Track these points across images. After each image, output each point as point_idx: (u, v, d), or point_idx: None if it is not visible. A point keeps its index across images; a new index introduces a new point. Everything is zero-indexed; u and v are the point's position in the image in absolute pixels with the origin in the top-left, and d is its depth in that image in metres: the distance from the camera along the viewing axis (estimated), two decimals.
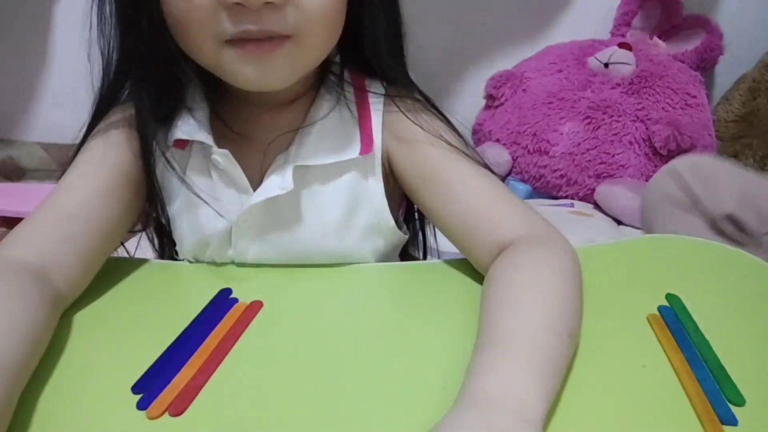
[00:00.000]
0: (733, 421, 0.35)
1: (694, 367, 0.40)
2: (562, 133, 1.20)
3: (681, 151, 1.15)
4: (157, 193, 0.51)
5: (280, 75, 0.45)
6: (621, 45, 1.24)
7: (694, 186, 0.70)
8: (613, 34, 1.31)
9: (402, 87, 0.52)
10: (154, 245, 0.61)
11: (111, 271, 0.52)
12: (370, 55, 0.50)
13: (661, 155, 1.16)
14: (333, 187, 0.51)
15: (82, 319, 0.47)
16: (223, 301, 0.48)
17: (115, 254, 0.55)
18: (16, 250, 0.44)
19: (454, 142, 0.50)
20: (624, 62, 1.22)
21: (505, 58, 1.32)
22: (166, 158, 0.50)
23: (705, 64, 1.26)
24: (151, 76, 0.48)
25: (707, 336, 0.43)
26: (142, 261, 0.54)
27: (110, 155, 0.49)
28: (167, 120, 0.50)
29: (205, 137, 0.49)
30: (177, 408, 0.38)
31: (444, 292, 0.49)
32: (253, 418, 0.37)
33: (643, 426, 0.36)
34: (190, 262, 0.55)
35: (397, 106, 0.51)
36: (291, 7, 0.42)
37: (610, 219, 1.11)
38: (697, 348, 0.42)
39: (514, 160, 1.25)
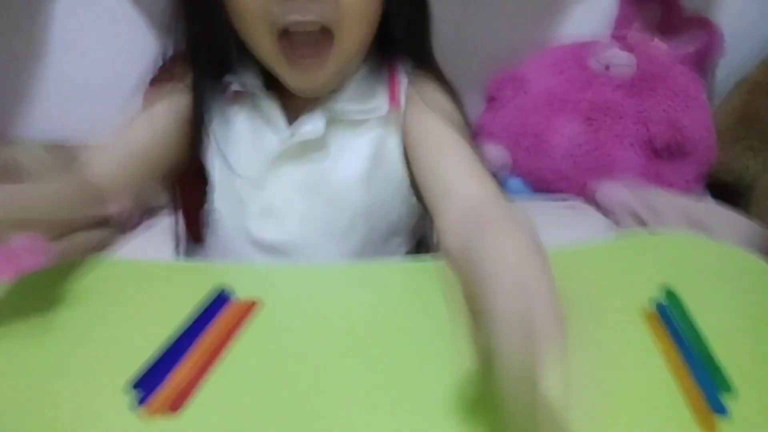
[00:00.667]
0: (722, 411, 0.35)
1: (686, 358, 0.40)
2: (562, 135, 1.20)
3: (681, 152, 1.15)
4: (203, 134, 0.58)
5: (322, 83, 0.54)
6: (622, 46, 1.24)
7: (648, 219, 0.75)
8: (613, 35, 1.31)
9: (427, 68, 0.59)
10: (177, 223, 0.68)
11: (108, 272, 0.52)
12: (402, 39, 0.56)
13: (661, 156, 1.16)
14: (360, 140, 0.57)
15: (80, 317, 0.47)
16: (219, 298, 0.48)
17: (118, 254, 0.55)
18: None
19: (459, 124, 0.55)
20: (625, 64, 1.22)
21: (506, 60, 1.32)
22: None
23: (706, 65, 1.26)
24: (208, 50, 0.56)
25: (700, 329, 0.43)
26: (138, 261, 0.55)
27: (169, 101, 0.58)
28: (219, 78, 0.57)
29: (256, 88, 0.57)
30: (176, 403, 0.38)
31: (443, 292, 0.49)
32: (251, 414, 0.37)
33: (636, 417, 0.36)
34: (216, 221, 0.59)
35: (418, 80, 0.58)
36: (330, 2, 0.48)
37: (609, 219, 1.11)
38: (689, 340, 0.42)
39: (515, 161, 1.25)
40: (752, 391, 0.37)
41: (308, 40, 0.50)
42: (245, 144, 0.58)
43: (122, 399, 0.38)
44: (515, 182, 1.25)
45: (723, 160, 1.24)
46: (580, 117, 1.19)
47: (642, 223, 0.78)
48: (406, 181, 0.58)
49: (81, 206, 0.51)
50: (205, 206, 0.64)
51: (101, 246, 0.66)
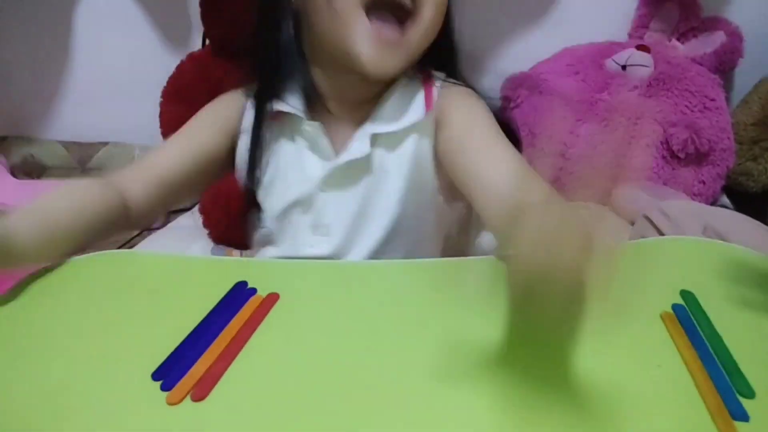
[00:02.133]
0: (744, 417, 0.35)
1: (706, 363, 0.40)
2: (578, 135, 1.19)
3: (699, 154, 1.14)
4: (257, 162, 0.62)
5: (393, 65, 0.55)
6: (639, 47, 1.23)
7: (663, 227, 0.76)
8: (630, 36, 1.30)
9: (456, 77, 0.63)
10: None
11: (131, 265, 0.53)
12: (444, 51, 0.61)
13: (678, 158, 1.15)
14: (400, 155, 0.60)
15: (104, 310, 0.48)
16: (241, 292, 0.49)
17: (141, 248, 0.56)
18: (110, 176, 0.59)
19: (492, 124, 0.58)
20: (642, 64, 1.21)
21: (521, 60, 1.31)
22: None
23: (724, 66, 1.24)
24: (272, 62, 0.60)
25: (720, 332, 0.42)
26: (162, 255, 0.55)
27: (198, 131, 0.62)
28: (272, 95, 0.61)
29: (299, 111, 0.60)
30: (199, 393, 0.39)
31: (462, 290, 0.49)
32: (271, 404, 0.38)
33: (656, 422, 0.36)
34: (267, 238, 0.63)
35: (451, 87, 0.61)
36: None
37: (626, 222, 1.11)
38: (709, 344, 0.41)
39: (530, 162, 1.24)
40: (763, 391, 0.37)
41: (392, 18, 0.54)
42: (291, 167, 0.61)
43: (147, 388, 0.39)
44: None
45: (741, 162, 1.23)
46: (597, 118, 1.19)
47: (658, 230, 0.78)
48: (438, 189, 0.61)
49: (109, 221, 0.56)
50: (249, 217, 0.68)
51: (127, 244, 0.70)
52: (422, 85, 0.61)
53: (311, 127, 0.60)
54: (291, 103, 0.60)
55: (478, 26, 1.32)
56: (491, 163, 0.53)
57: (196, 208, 1.07)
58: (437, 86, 0.61)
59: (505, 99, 1.29)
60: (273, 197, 0.63)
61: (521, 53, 1.32)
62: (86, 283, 0.51)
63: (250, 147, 0.62)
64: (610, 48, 1.26)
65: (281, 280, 0.51)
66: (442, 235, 0.66)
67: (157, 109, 1.12)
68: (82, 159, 1.42)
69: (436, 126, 0.59)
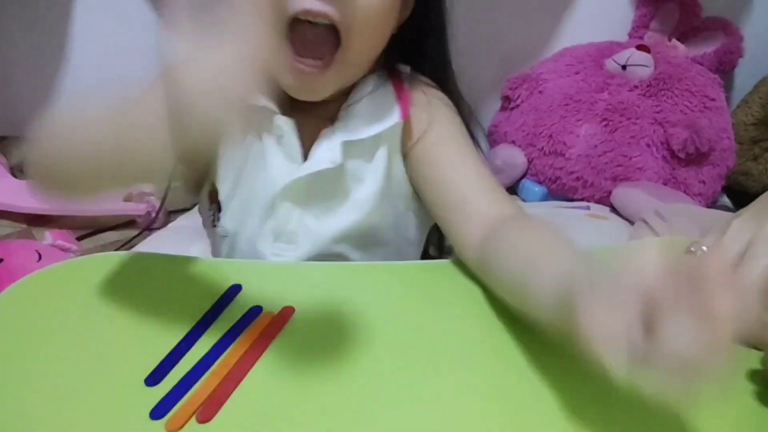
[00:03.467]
0: None
1: None
2: (578, 135, 1.19)
3: (699, 154, 1.14)
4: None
5: (321, 90, 0.51)
6: (639, 47, 1.23)
7: (661, 231, 0.76)
8: (631, 35, 1.30)
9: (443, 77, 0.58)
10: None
11: (130, 266, 0.53)
12: (427, 51, 0.57)
13: (679, 158, 1.15)
14: (374, 161, 0.55)
15: (103, 313, 0.47)
16: (250, 312, 0.47)
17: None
18: None
19: (465, 136, 0.55)
20: (642, 64, 1.21)
21: (521, 60, 1.31)
22: None
23: (724, 66, 1.24)
24: None
25: None
26: (162, 256, 0.55)
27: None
28: None
29: (270, 104, 0.53)
30: (205, 415, 0.38)
31: (478, 292, 0.49)
32: (282, 426, 0.37)
33: (655, 422, 0.36)
34: (222, 237, 0.59)
35: (422, 88, 0.57)
36: (348, 2, 0.46)
37: (626, 222, 1.11)
38: None
39: (530, 162, 1.25)
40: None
41: (314, 38, 0.48)
42: (254, 168, 0.55)
43: (144, 400, 0.39)
44: (531, 185, 1.25)
45: (741, 162, 1.23)
46: (597, 117, 1.19)
47: (655, 234, 0.79)
48: (413, 194, 0.58)
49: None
50: (205, 213, 0.63)
51: (127, 244, 0.66)
52: (392, 86, 0.56)
53: (284, 123, 0.53)
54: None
55: (478, 26, 1.31)
56: (463, 180, 0.52)
57: (196, 208, 1.07)
58: (407, 87, 0.57)
59: (505, 99, 1.29)
60: (235, 199, 0.57)
61: (521, 53, 1.32)
62: (85, 284, 0.51)
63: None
64: (610, 48, 1.26)
65: (280, 286, 0.50)
66: (424, 236, 0.64)
67: None
68: None
69: (406, 131, 0.56)
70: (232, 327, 0.45)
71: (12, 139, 1.44)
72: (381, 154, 0.55)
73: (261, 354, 0.43)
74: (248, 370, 0.41)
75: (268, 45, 0.32)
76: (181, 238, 1.01)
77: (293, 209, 0.56)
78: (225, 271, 0.53)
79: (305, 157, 0.55)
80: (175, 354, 0.42)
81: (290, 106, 0.54)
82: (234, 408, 0.38)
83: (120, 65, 1.38)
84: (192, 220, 1.06)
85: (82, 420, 0.38)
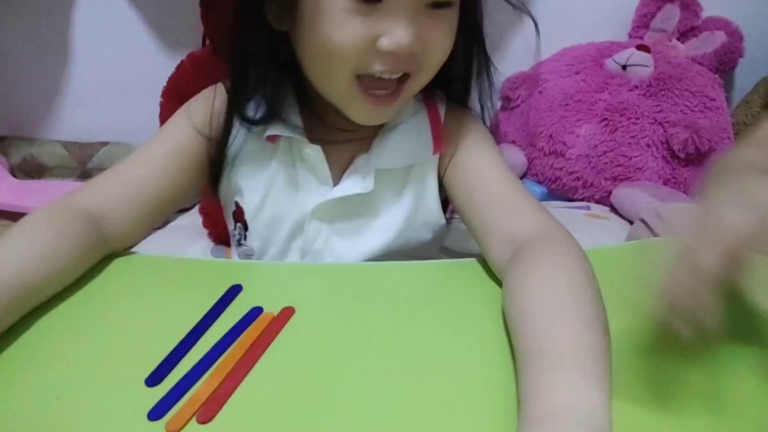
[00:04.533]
0: None
1: None
2: (578, 135, 1.19)
3: (699, 154, 1.14)
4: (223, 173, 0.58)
5: (386, 117, 0.54)
6: (639, 47, 1.23)
7: (659, 230, 0.76)
8: (631, 35, 1.30)
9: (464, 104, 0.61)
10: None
11: (127, 267, 0.53)
12: (459, 81, 0.60)
13: (679, 158, 1.15)
14: (402, 188, 0.58)
15: (104, 313, 0.47)
16: (250, 313, 0.47)
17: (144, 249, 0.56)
18: (82, 197, 0.53)
19: (495, 153, 0.58)
20: (642, 64, 1.21)
21: (521, 60, 1.31)
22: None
23: (724, 66, 1.24)
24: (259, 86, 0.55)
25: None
26: (162, 257, 0.55)
27: (180, 137, 0.56)
28: (260, 119, 0.56)
29: (297, 134, 0.55)
30: (205, 415, 0.37)
31: (478, 293, 0.50)
32: (283, 426, 0.37)
33: (654, 419, 0.36)
34: (248, 256, 0.61)
35: (457, 116, 0.59)
36: (419, 56, 0.50)
37: (626, 222, 1.11)
38: None
39: (530, 161, 1.25)
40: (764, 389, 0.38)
41: (388, 82, 0.51)
42: (284, 191, 0.58)
43: (144, 403, 0.39)
44: (531, 185, 1.25)
45: None
46: (597, 117, 1.19)
47: (653, 233, 0.79)
48: (442, 221, 0.60)
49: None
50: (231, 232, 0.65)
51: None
52: (427, 116, 0.58)
53: (312, 151, 0.56)
54: (291, 122, 0.56)
55: None
56: (499, 207, 0.53)
57: (196, 208, 1.07)
58: (442, 115, 0.59)
59: (505, 99, 1.29)
60: (262, 219, 0.59)
61: (521, 53, 1.32)
62: (85, 284, 0.51)
63: (217, 151, 0.57)
64: (611, 48, 1.26)
65: (280, 286, 0.50)
66: (438, 248, 0.66)
67: (157, 109, 1.11)
68: (82, 159, 1.42)
69: (444, 159, 0.58)
70: (233, 327, 0.45)
71: (12, 139, 1.44)
72: (412, 183, 0.58)
73: (261, 354, 0.42)
74: (249, 371, 0.41)
75: None
76: (181, 238, 1.01)
77: (321, 229, 0.58)
78: (225, 271, 0.53)
79: (337, 180, 0.57)
80: (175, 354, 0.42)
81: (321, 132, 0.56)
82: (234, 408, 0.38)
83: (120, 66, 1.38)
84: (192, 220, 1.06)
85: (82, 420, 0.38)
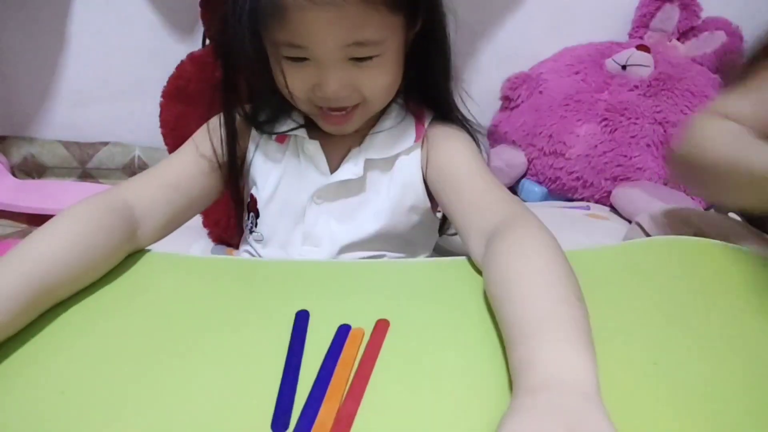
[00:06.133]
0: None
1: None
2: (578, 135, 1.19)
3: None
4: (237, 175, 0.66)
5: (352, 128, 0.61)
6: (639, 47, 1.23)
7: (652, 233, 0.77)
8: (631, 35, 1.30)
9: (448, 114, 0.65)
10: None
11: (138, 263, 0.53)
12: (429, 83, 0.63)
13: None
14: (390, 175, 0.64)
15: (148, 317, 0.48)
16: (341, 331, 0.46)
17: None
18: (125, 191, 0.57)
19: (472, 156, 0.61)
20: (642, 64, 1.21)
21: (521, 60, 1.31)
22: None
23: (724, 66, 1.24)
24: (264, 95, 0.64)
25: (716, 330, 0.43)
26: (168, 254, 0.56)
27: (206, 146, 0.63)
28: (269, 120, 0.65)
29: (300, 132, 0.64)
30: None
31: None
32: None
33: (651, 418, 0.36)
34: (258, 241, 0.68)
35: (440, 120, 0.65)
36: (357, 93, 0.57)
37: (626, 222, 1.11)
38: None
39: (530, 161, 1.25)
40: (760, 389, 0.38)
41: (341, 109, 0.59)
42: (290, 181, 0.65)
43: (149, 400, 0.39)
44: (530, 185, 1.25)
45: None
46: (597, 117, 1.19)
47: (648, 235, 0.79)
48: (427, 204, 0.65)
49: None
50: (242, 222, 0.72)
51: None
52: (414, 121, 0.65)
53: (312, 146, 0.64)
54: (295, 119, 0.65)
55: (478, 26, 1.32)
56: (472, 206, 0.56)
57: None
58: (428, 117, 0.65)
59: (505, 99, 1.29)
60: (272, 207, 0.66)
61: (521, 53, 1.32)
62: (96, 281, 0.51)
63: (250, 162, 0.66)
64: (610, 48, 1.26)
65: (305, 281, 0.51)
66: (434, 238, 0.72)
67: (157, 109, 1.11)
68: (82, 159, 1.42)
69: (426, 152, 0.63)
70: (329, 351, 0.44)
71: (12, 138, 1.44)
72: (398, 170, 0.64)
73: (371, 370, 0.42)
74: (364, 389, 0.41)
75: None
76: (181, 238, 1.01)
77: (320, 213, 0.64)
78: (230, 269, 0.53)
79: (335, 170, 0.64)
80: (286, 393, 0.41)
81: (316, 130, 0.64)
82: (363, 427, 0.38)
83: (120, 66, 1.38)
84: (192, 219, 1.06)
85: (86, 415, 0.38)
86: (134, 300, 0.49)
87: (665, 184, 1.16)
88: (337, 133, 0.62)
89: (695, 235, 0.59)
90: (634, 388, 0.39)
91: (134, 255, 0.55)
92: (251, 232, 0.69)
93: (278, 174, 0.66)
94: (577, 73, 1.25)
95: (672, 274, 0.51)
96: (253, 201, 0.67)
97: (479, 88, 1.34)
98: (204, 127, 0.65)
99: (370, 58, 0.55)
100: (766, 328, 0.44)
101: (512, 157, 1.25)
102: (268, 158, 0.66)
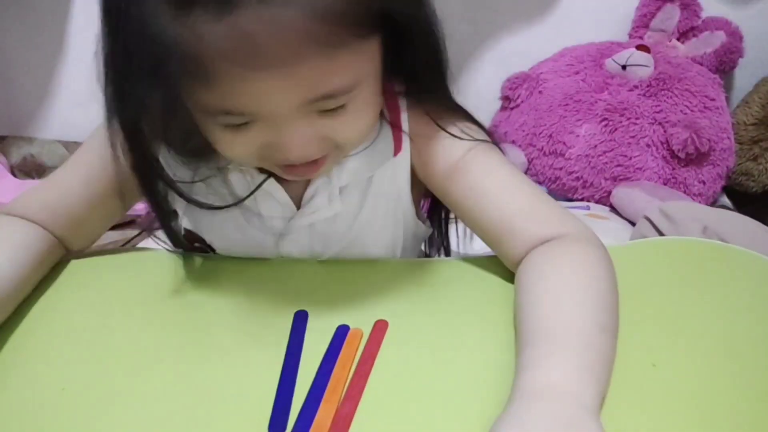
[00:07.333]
0: None
1: None
2: (578, 135, 1.19)
3: (699, 154, 1.14)
4: (163, 207, 0.51)
5: (322, 174, 0.49)
6: (639, 47, 1.23)
7: (664, 228, 0.76)
8: (631, 35, 1.30)
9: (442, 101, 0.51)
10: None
11: (130, 262, 0.53)
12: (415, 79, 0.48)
13: (679, 158, 1.15)
14: (371, 197, 0.53)
15: (137, 316, 0.48)
16: (340, 331, 0.46)
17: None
18: (18, 206, 0.52)
19: (477, 135, 0.51)
20: (642, 64, 1.21)
21: (521, 60, 1.31)
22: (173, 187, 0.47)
23: (724, 66, 1.24)
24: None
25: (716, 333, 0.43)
26: (162, 253, 0.55)
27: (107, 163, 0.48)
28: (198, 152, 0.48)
29: (246, 167, 0.49)
30: None
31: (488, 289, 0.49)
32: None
33: (650, 418, 0.36)
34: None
35: (421, 106, 0.51)
36: (329, 143, 0.44)
37: (626, 222, 1.11)
38: None
39: (530, 161, 1.25)
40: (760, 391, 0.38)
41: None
42: (243, 226, 0.53)
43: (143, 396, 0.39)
44: None
45: (741, 162, 1.23)
46: (596, 117, 1.19)
47: (659, 231, 0.79)
48: (416, 215, 0.56)
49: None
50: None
51: (128, 244, 0.66)
52: (389, 127, 0.51)
53: (269, 185, 0.50)
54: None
55: (478, 26, 1.31)
56: (488, 188, 0.49)
57: None
58: (404, 109, 0.51)
59: (505, 99, 1.29)
60: (225, 241, 0.55)
61: (521, 53, 1.32)
62: (87, 282, 0.51)
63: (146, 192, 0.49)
64: (610, 48, 1.26)
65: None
66: (419, 244, 0.63)
67: None
68: None
69: (420, 154, 0.52)
70: (327, 352, 0.43)
71: (12, 138, 1.44)
72: (381, 186, 0.53)
73: (370, 371, 0.42)
74: (363, 390, 0.40)
75: None
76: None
77: (292, 248, 0.54)
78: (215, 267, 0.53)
79: (299, 198, 0.52)
80: (283, 394, 0.40)
81: None
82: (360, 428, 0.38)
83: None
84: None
85: (85, 411, 0.37)
86: (130, 299, 0.49)
87: (665, 184, 1.16)
88: (303, 179, 0.49)
89: (704, 230, 0.59)
90: (633, 389, 0.39)
91: (128, 253, 0.55)
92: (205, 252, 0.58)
93: (221, 219, 0.53)
94: (577, 73, 1.24)
95: (674, 276, 0.51)
96: (193, 235, 0.56)
97: (479, 88, 1.35)
98: (99, 153, 0.51)
99: (342, 105, 0.42)
100: (765, 330, 0.44)
101: (512, 157, 1.25)
102: (210, 188, 0.51)
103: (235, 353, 0.43)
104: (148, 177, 0.46)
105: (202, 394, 0.40)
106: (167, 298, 0.49)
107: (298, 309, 0.47)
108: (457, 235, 0.62)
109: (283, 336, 0.45)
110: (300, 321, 0.46)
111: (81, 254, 0.55)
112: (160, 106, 0.41)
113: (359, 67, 0.41)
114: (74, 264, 0.54)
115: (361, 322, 0.46)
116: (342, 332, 0.45)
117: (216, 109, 0.40)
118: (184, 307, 0.48)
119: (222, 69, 0.37)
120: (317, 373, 0.41)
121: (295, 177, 0.47)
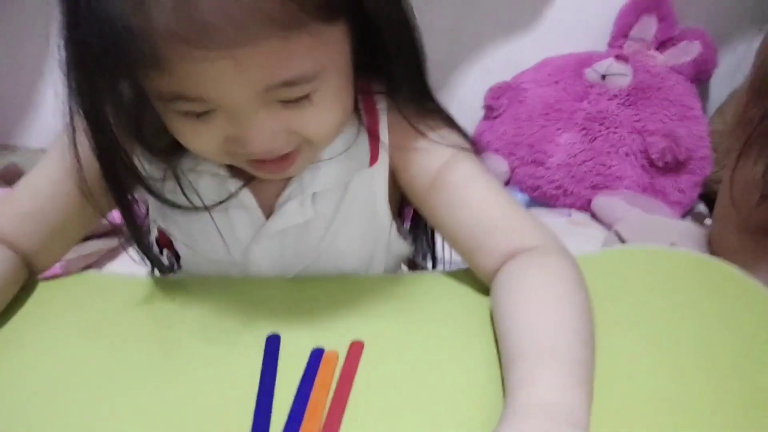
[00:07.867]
0: None
1: None
2: (558, 144, 1.21)
3: (677, 162, 1.16)
4: (131, 214, 0.50)
5: (296, 171, 0.47)
6: (618, 57, 1.25)
7: (628, 239, 0.78)
8: (610, 45, 1.32)
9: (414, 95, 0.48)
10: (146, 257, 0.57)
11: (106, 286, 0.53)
12: (391, 77, 0.47)
13: (657, 167, 1.17)
14: (345, 206, 0.52)
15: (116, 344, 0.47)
16: (313, 354, 0.44)
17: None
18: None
19: (458, 143, 0.50)
20: (621, 74, 1.23)
21: (503, 70, 1.33)
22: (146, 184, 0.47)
23: (701, 76, 1.27)
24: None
25: (689, 341, 0.44)
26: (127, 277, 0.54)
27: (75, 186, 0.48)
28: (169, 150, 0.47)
29: (218, 169, 0.49)
30: None
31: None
32: None
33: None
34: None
35: (400, 111, 0.48)
36: (298, 137, 0.42)
37: (606, 229, 1.12)
38: None
39: (513, 170, 1.26)
40: (730, 392, 0.39)
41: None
42: (210, 232, 0.51)
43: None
44: (513, 193, 1.26)
45: (718, 170, 1.25)
46: (576, 126, 1.20)
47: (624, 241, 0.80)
48: (391, 225, 0.55)
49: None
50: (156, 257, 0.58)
51: (111, 252, 0.64)
52: (366, 132, 0.50)
53: (234, 187, 0.49)
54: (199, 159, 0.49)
55: (460, 35, 1.33)
56: (468, 198, 0.49)
57: None
58: (383, 114, 0.50)
59: (488, 108, 1.30)
60: (195, 249, 0.54)
61: (503, 63, 1.34)
62: (65, 300, 0.51)
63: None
64: (590, 58, 1.28)
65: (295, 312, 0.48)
66: (400, 259, 0.61)
67: None
68: None
69: (392, 167, 0.51)
70: (304, 376, 0.42)
71: None
72: (356, 195, 0.52)
73: (349, 393, 0.41)
74: (343, 412, 0.39)
75: None
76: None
77: (263, 258, 0.53)
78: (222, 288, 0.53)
79: (270, 206, 0.51)
80: (261, 419, 0.39)
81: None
82: None
83: None
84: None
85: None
86: (97, 324, 0.48)
87: (643, 192, 1.17)
88: (276, 178, 0.48)
89: (671, 244, 0.60)
90: (616, 396, 0.39)
91: (97, 277, 0.54)
92: (172, 271, 0.57)
93: (188, 225, 0.52)
94: (557, 82, 1.26)
95: (647, 283, 0.52)
96: (164, 238, 0.54)
97: (463, 97, 1.36)
98: (63, 155, 0.47)
99: (306, 96, 0.40)
100: (728, 338, 0.45)
101: (495, 166, 1.26)
102: (178, 193, 0.49)
103: (209, 384, 0.42)
104: (113, 169, 0.45)
105: (176, 427, 0.39)
106: (135, 325, 0.48)
107: (270, 332, 0.46)
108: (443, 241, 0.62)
109: (257, 363, 0.43)
110: (272, 345, 0.45)
111: (46, 278, 0.53)
112: (120, 95, 0.40)
113: (321, 53, 0.39)
114: (42, 287, 0.52)
115: (336, 343, 0.44)
116: (317, 355, 0.43)
117: (170, 94, 0.39)
118: (153, 333, 0.47)
119: (172, 50, 0.35)
120: (294, 401, 0.40)
121: (266, 174, 0.45)
